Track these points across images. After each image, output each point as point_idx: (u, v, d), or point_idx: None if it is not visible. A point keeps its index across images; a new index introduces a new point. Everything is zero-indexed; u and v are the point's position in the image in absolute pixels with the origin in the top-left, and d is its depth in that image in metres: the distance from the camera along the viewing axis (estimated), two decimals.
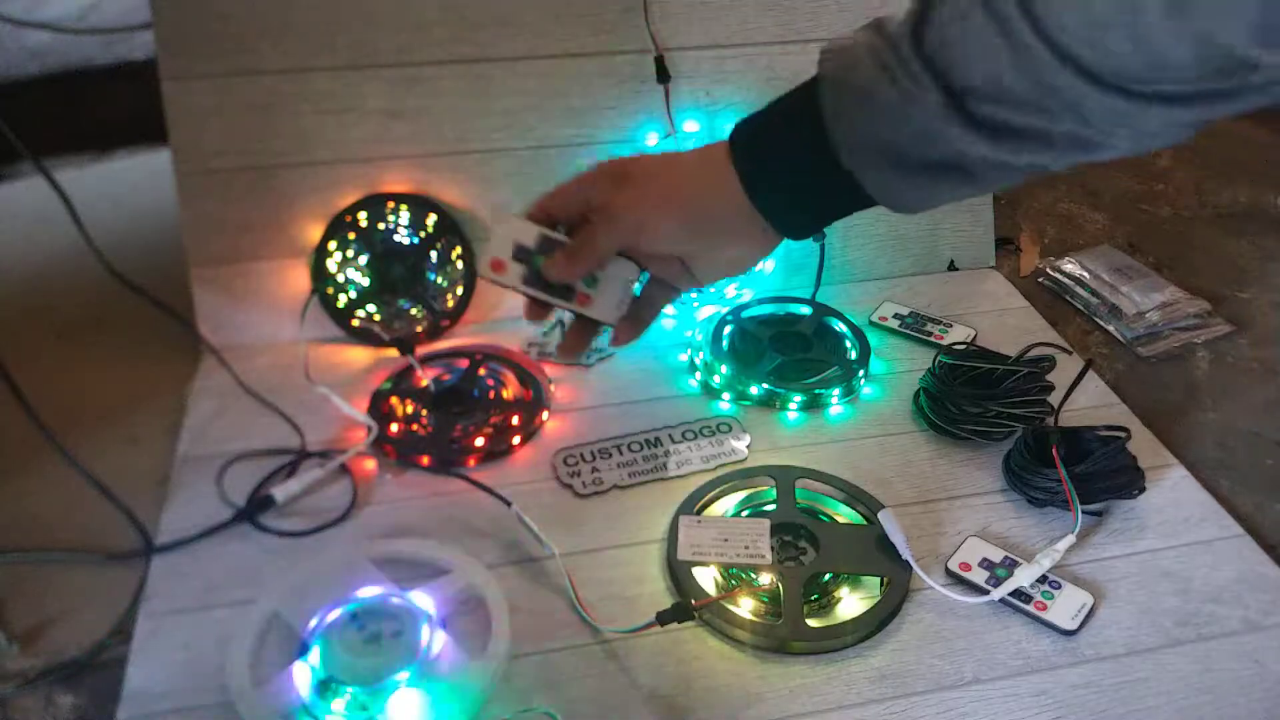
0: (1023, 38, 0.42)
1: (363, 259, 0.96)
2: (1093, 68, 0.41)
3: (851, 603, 0.72)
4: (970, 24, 0.43)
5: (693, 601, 0.69)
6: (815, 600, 0.71)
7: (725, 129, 1.03)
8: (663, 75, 0.99)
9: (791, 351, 0.94)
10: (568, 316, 0.55)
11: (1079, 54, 0.41)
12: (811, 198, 0.49)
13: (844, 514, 0.79)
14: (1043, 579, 0.72)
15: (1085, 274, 1.09)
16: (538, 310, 0.55)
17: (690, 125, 1.01)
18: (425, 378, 0.91)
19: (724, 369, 0.91)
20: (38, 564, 0.77)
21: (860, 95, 0.46)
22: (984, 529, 0.78)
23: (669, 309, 0.56)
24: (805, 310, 0.99)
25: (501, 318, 1.01)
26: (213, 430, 0.87)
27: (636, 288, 0.55)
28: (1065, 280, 1.10)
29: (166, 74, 0.91)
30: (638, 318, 0.56)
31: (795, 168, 0.48)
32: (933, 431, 0.87)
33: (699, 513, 0.78)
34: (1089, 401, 0.90)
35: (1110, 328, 1.04)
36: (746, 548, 0.73)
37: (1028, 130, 0.43)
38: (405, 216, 0.97)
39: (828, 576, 0.73)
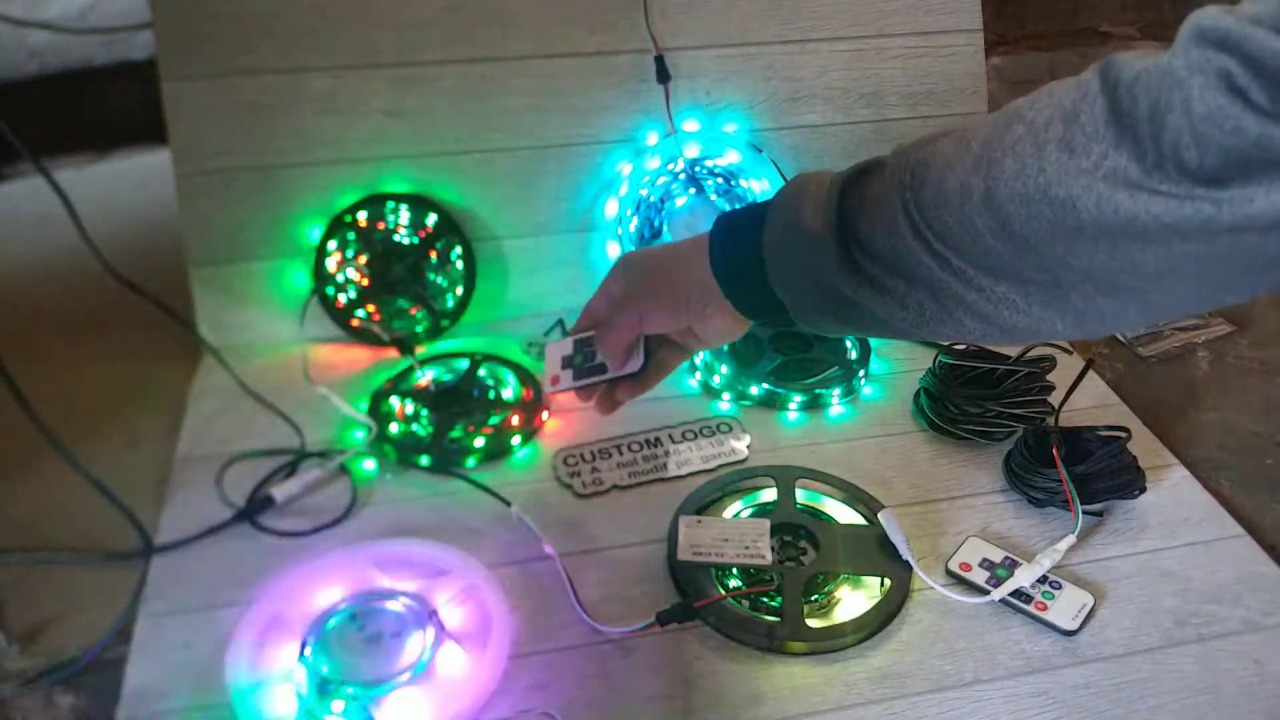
0: (895, 204, 0.47)
1: (362, 259, 0.96)
2: (932, 242, 0.46)
3: (852, 603, 0.72)
4: (879, 184, 0.49)
5: (693, 602, 0.69)
6: (815, 600, 0.71)
7: (725, 128, 1.04)
8: (663, 75, 0.99)
9: (791, 351, 0.94)
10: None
11: (925, 227, 0.46)
12: (756, 295, 0.55)
13: (844, 514, 0.79)
14: (1043, 579, 0.72)
15: None
16: (589, 395, 0.65)
17: (690, 125, 1.01)
18: (425, 378, 0.91)
19: (724, 369, 0.91)
20: (38, 564, 0.77)
21: (790, 223, 0.52)
22: (984, 529, 0.78)
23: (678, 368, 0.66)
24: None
25: (502, 318, 1.01)
26: (212, 430, 0.87)
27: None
28: None
29: (166, 74, 0.91)
30: (645, 381, 0.63)
31: (742, 271, 0.55)
32: (933, 431, 0.87)
33: (699, 513, 0.78)
34: (1089, 401, 0.90)
35: None
36: (747, 548, 0.73)
37: (884, 286, 0.49)
38: (405, 216, 0.97)
39: (828, 576, 0.73)
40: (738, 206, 1.00)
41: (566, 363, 0.64)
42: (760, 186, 1.03)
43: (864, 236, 0.49)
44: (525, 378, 0.92)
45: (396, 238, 0.97)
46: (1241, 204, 0.36)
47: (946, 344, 0.89)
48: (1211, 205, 0.37)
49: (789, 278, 0.52)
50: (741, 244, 0.54)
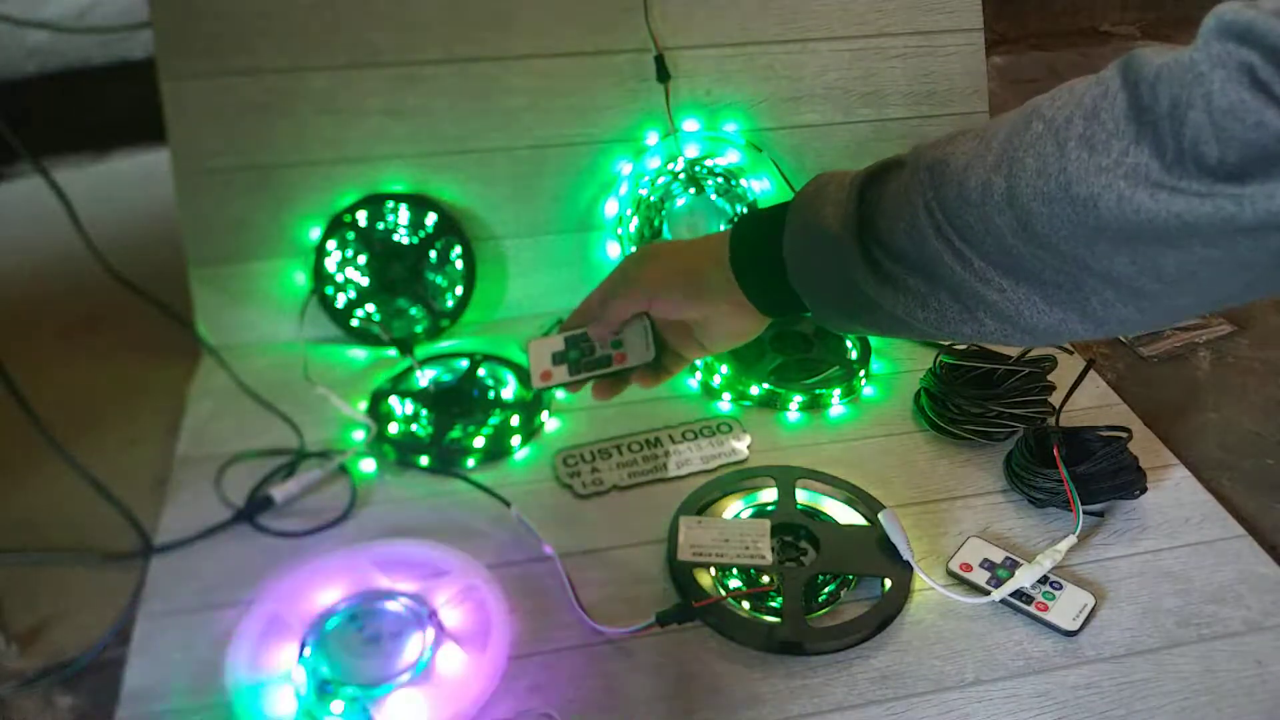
0: (917, 203, 0.46)
1: (362, 259, 0.96)
2: (955, 242, 0.45)
3: (852, 603, 0.72)
4: (899, 183, 0.48)
5: (693, 602, 0.69)
6: (816, 601, 0.71)
7: (725, 128, 1.04)
8: (663, 74, 0.99)
9: (792, 351, 0.94)
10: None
11: (947, 226, 0.46)
12: (776, 294, 0.55)
13: (845, 514, 0.78)
14: (1044, 579, 0.72)
15: None
16: (599, 389, 0.64)
17: (690, 124, 1.01)
18: (424, 378, 0.91)
19: (724, 369, 0.91)
20: (36, 564, 0.77)
21: (810, 223, 0.51)
22: (985, 529, 0.78)
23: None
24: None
25: (502, 318, 1.01)
26: (212, 430, 0.87)
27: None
28: None
29: (165, 73, 0.91)
30: (657, 373, 0.63)
31: (762, 269, 0.55)
32: (934, 432, 0.87)
33: (699, 513, 0.78)
34: (1090, 401, 0.90)
35: None
36: (747, 548, 0.73)
37: (906, 286, 0.49)
38: (404, 216, 0.96)
39: (828, 577, 0.73)
40: (740, 207, 1.01)
41: (558, 358, 0.63)
42: (760, 186, 1.03)
43: (885, 236, 0.48)
44: (525, 378, 0.91)
45: (396, 237, 0.97)
46: (1262, 200, 0.36)
47: (949, 344, 0.89)
48: (1233, 203, 0.36)
49: (810, 278, 0.52)
50: (762, 244, 0.54)
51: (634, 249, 0.63)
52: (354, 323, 0.97)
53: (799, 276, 0.53)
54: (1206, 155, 0.36)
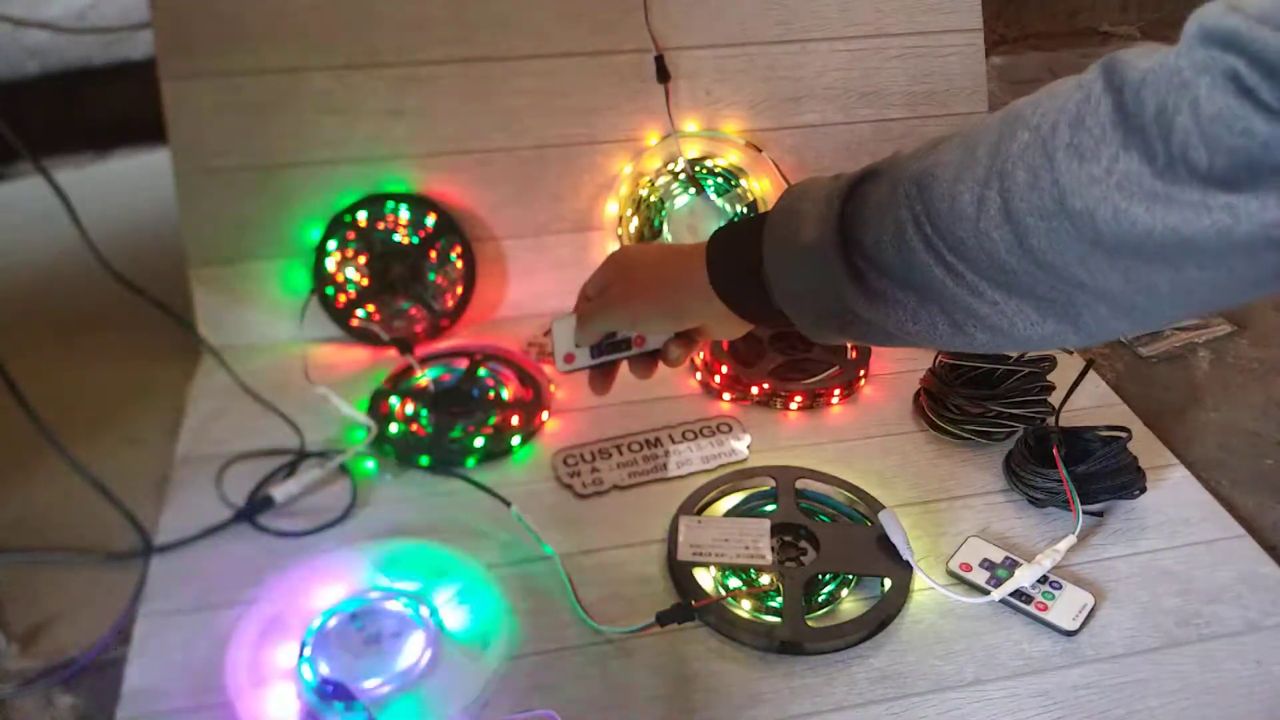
0: (905, 217, 0.46)
1: (362, 259, 0.96)
2: (945, 255, 0.45)
3: (852, 603, 0.72)
4: (881, 194, 0.48)
5: (693, 602, 0.69)
6: (816, 601, 0.71)
7: (725, 128, 1.03)
8: (663, 74, 0.99)
9: (792, 351, 0.94)
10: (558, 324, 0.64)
11: (938, 240, 0.45)
12: (763, 311, 0.55)
13: (844, 514, 0.79)
14: (1043, 579, 0.72)
15: None
16: (602, 384, 0.64)
17: (690, 124, 1.01)
18: (425, 378, 0.91)
19: (724, 368, 0.91)
20: (37, 564, 0.77)
21: (790, 243, 0.51)
22: (985, 529, 0.78)
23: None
24: None
25: (501, 318, 1.01)
26: (212, 430, 0.87)
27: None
28: None
29: (166, 73, 0.91)
30: (650, 367, 0.63)
31: (744, 290, 0.55)
32: (933, 431, 0.87)
33: (699, 513, 0.78)
34: (1089, 401, 0.90)
35: None
36: (747, 548, 0.73)
37: (895, 300, 0.48)
38: (405, 216, 0.97)
39: (828, 577, 0.73)
40: (741, 207, 1.00)
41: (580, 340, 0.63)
42: (760, 186, 1.03)
43: (871, 250, 0.48)
44: (525, 377, 0.92)
45: (396, 237, 0.97)
46: (1255, 212, 0.35)
47: None
48: (1228, 214, 0.36)
49: (795, 297, 0.52)
50: (741, 266, 0.54)
51: (615, 251, 0.63)
52: (354, 323, 0.97)
53: (784, 298, 0.52)
54: (1196, 161, 0.36)
